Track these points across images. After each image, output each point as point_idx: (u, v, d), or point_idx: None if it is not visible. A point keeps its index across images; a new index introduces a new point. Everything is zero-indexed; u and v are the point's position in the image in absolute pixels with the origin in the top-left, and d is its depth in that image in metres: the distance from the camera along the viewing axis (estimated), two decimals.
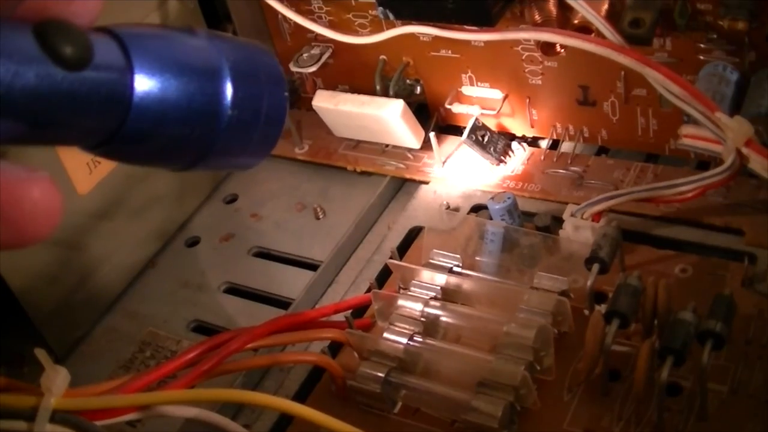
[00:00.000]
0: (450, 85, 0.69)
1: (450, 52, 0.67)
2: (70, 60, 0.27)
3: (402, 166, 0.69)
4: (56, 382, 0.43)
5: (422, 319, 0.54)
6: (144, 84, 0.30)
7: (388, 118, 0.66)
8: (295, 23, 0.70)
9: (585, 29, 0.58)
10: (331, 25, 0.70)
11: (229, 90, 0.32)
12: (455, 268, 0.58)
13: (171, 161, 0.33)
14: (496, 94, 0.67)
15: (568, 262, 0.56)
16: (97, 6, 0.29)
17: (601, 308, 0.51)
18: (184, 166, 0.33)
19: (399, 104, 0.66)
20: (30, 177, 0.28)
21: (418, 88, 0.70)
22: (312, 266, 0.65)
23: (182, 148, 0.32)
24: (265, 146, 0.35)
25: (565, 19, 0.59)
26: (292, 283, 0.64)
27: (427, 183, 0.68)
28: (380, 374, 0.52)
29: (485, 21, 0.58)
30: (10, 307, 0.59)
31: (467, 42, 0.64)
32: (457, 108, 0.69)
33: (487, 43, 0.64)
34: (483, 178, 0.66)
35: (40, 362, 0.44)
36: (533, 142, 0.69)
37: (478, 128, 0.65)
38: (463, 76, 0.68)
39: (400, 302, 0.55)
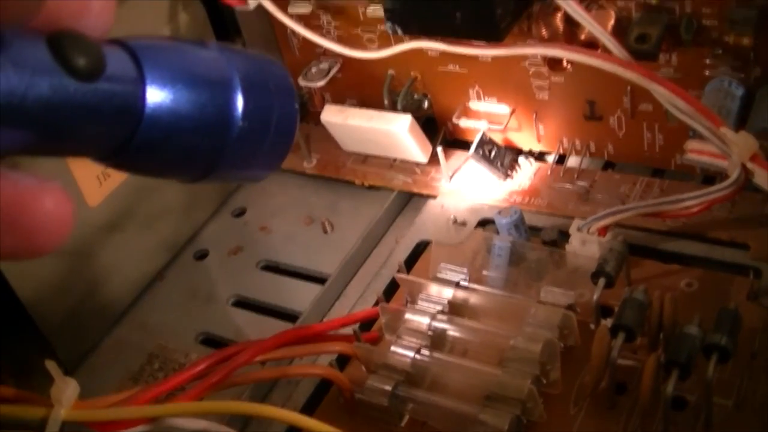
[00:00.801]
0: (457, 99, 0.69)
1: (458, 67, 0.67)
2: (83, 71, 0.27)
3: (410, 180, 0.70)
4: (66, 393, 0.44)
5: (429, 332, 0.55)
6: (156, 95, 0.30)
7: (395, 133, 0.67)
8: (304, 38, 0.70)
9: (592, 44, 0.58)
10: (340, 40, 0.70)
11: (239, 101, 0.32)
12: (462, 282, 0.58)
13: (181, 172, 0.33)
14: (503, 109, 0.67)
15: (574, 276, 0.57)
16: (109, 20, 0.30)
17: (607, 322, 0.51)
18: (195, 178, 0.33)
19: (407, 119, 0.67)
20: (42, 187, 0.28)
21: (426, 103, 0.71)
22: (320, 280, 0.65)
23: (193, 160, 0.32)
24: (275, 158, 0.35)
25: (572, 35, 0.59)
26: (300, 296, 0.64)
27: (434, 197, 0.68)
28: (387, 387, 0.52)
29: (493, 36, 0.58)
30: (19, 318, 0.60)
31: (475, 57, 0.65)
32: (464, 122, 0.69)
33: (494, 58, 0.64)
34: (490, 193, 0.66)
35: (50, 373, 0.45)
36: (540, 156, 0.69)
37: (485, 143, 0.66)
38: (471, 90, 0.68)
39: (408, 316, 0.56)
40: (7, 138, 0.26)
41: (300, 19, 0.70)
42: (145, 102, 0.30)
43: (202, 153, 0.32)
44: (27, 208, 0.27)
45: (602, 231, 0.57)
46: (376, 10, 0.65)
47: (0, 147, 0.26)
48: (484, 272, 0.59)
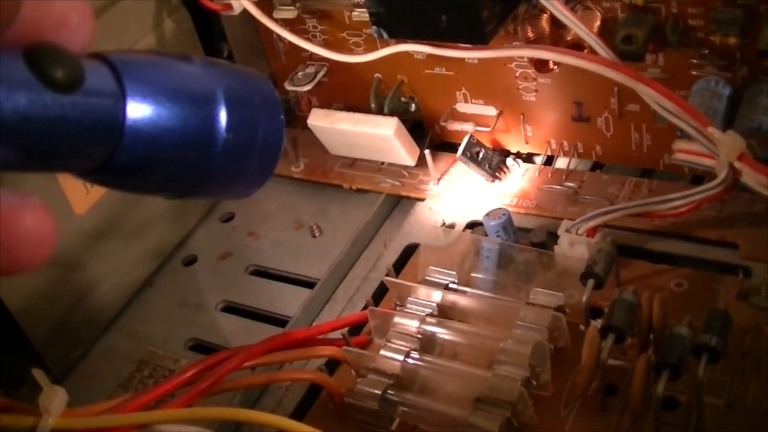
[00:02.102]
0: (445, 102, 0.69)
1: (444, 69, 0.67)
2: (60, 83, 0.26)
3: (398, 183, 0.70)
4: (54, 402, 0.44)
5: (419, 336, 0.55)
6: (137, 110, 0.29)
7: (383, 136, 0.67)
8: (290, 42, 0.70)
9: (578, 46, 0.58)
10: (326, 44, 0.70)
11: (223, 114, 0.31)
12: (451, 285, 0.58)
13: (167, 188, 0.33)
14: (491, 111, 0.67)
15: (563, 278, 0.57)
16: (88, 33, 0.29)
17: (597, 323, 0.51)
18: (181, 193, 0.33)
19: (394, 122, 0.66)
20: (23, 203, 0.27)
21: (413, 106, 0.71)
22: (309, 284, 0.65)
23: (178, 175, 0.32)
24: (262, 172, 0.35)
25: (558, 36, 0.60)
26: (289, 301, 0.64)
27: (422, 200, 0.68)
28: (377, 391, 0.52)
29: (479, 39, 0.58)
30: (8, 328, 0.59)
31: (461, 60, 0.65)
32: (451, 125, 0.69)
33: (481, 60, 0.64)
34: (478, 195, 0.66)
35: (39, 383, 0.45)
36: (528, 158, 0.69)
37: (473, 145, 0.66)
38: (458, 93, 0.68)
39: (397, 319, 0.55)
40: None
41: (285, 23, 0.70)
42: (126, 116, 0.29)
43: (187, 168, 0.32)
44: (7, 227, 0.27)
45: (591, 232, 0.58)
46: (362, 14, 0.65)
47: None
48: (473, 275, 0.59)
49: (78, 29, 0.29)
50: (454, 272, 0.58)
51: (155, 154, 0.30)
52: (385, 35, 0.61)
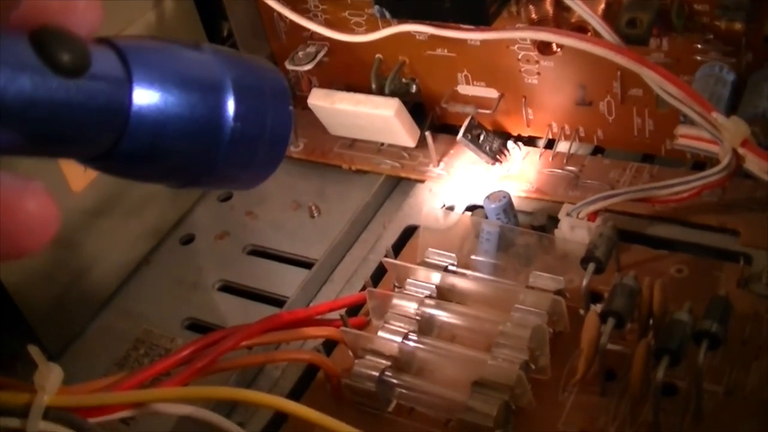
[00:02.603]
0: (446, 84, 0.69)
1: (446, 51, 0.67)
2: (66, 66, 0.26)
3: (397, 164, 0.69)
4: (50, 379, 0.43)
5: (417, 317, 0.54)
6: (143, 96, 0.29)
7: (383, 117, 0.66)
8: (291, 21, 0.70)
9: (582, 29, 0.58)
10: (327, 24, 0.70)
11: (231, 102, 0.31)
12: (450, 267, 0.58)
13: (171, 176, 0.32)
14: (492, 94, 0.67)
15: (563, 262, 0.56)
16: (95, 18, 0.29)
17: (597, 308, 0.51)
18: (185, 183, 0.33)
19: (395, 103, 0.66)
20: (26, 187, 0.27)
21: (414, 87, 0.70)
22: (307, 264, 0.65)
23: (183, 163, 0.31)
24: (268, 164, 0.34)
25: (561, 19, 0.59)
26: (286, 281, 0.64)
27: (422, 182, 0.68)
28: (375, 373, 0.52)
29: (482, 20, 0.57)
30: (4, 305, 0.59)
31: (463, 41, 0.64)
32: (452, 107, 0.69)
33: (483, 42, 0.64)
34: (478, 177, 0.66)
35: (34, 360, 0.44)
36: (529, 141, 0.68)
37: (474, 127, 0.65)
38: (459, 75, 0.67)
39: (395, 301, 0.55)
40: None
41: (287, 2, 0.69)
42: (132, 102, 0.29)
43: (193, 156, 0.31)
44: (10, 211, 0.27)
45: (592, 216, 0.57)
46: None
47: None
48: (473, 257, 0.58)
49: (85, 13, 0.29)
50: (453, 254, 0.58)
51: (161, 142, 0.30)
52: (387, 15, 0.60)
